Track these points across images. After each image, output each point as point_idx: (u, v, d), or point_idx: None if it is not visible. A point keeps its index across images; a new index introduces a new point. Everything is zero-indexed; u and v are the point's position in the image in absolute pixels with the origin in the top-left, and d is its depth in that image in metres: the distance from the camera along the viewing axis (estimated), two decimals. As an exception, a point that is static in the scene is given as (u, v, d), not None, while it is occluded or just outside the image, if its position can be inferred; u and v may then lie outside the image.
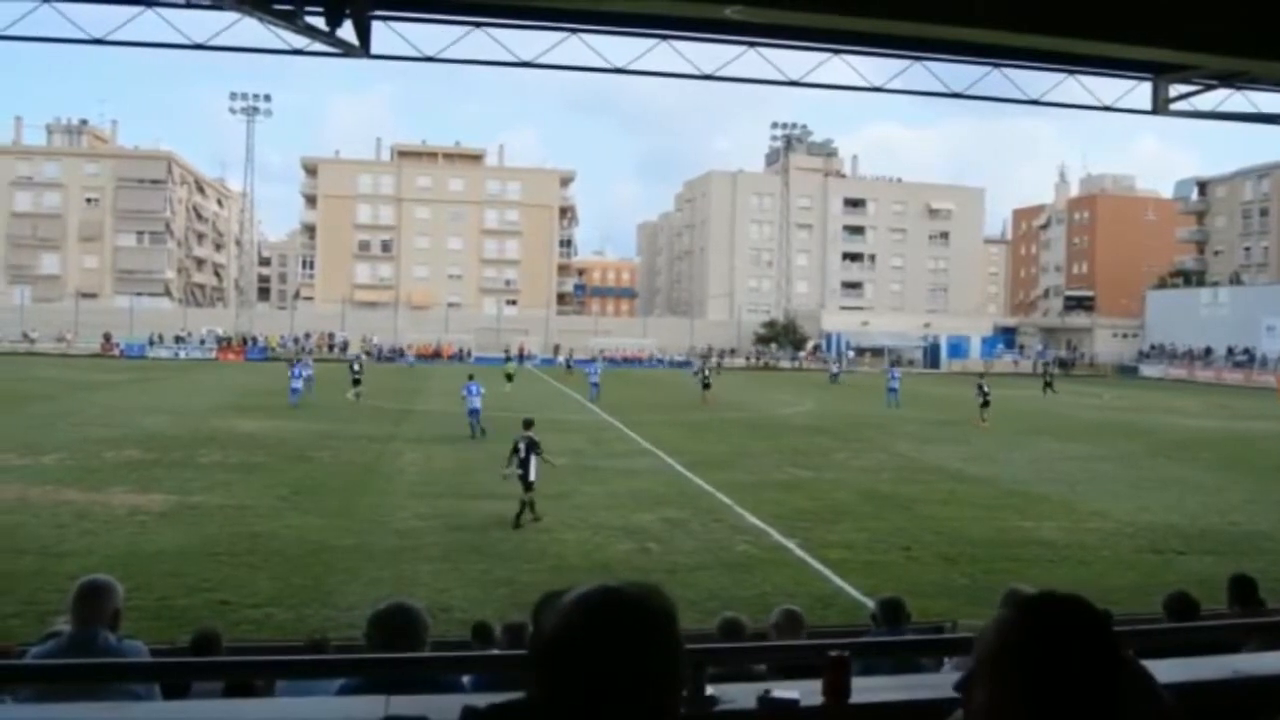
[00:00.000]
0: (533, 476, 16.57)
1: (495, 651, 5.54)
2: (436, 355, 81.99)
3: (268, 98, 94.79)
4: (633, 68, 12.79)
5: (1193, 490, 21.65)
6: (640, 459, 24.96)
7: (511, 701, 1.58)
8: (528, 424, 17.72)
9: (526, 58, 12.74)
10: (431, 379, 54.72)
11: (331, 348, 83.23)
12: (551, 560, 13.89)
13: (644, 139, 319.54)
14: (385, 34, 11.56)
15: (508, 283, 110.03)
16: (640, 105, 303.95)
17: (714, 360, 71.83)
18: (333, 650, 5.91)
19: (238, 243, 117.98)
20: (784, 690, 3.31)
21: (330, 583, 12.42)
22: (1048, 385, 53.14)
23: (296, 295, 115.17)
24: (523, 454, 16.80)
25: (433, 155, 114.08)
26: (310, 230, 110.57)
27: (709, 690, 3.22)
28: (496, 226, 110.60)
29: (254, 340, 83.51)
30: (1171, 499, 20.44)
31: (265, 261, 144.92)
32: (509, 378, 47.24)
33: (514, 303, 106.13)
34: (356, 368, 43.76)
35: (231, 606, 11.13)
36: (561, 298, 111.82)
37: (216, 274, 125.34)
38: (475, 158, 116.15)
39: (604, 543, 15.21)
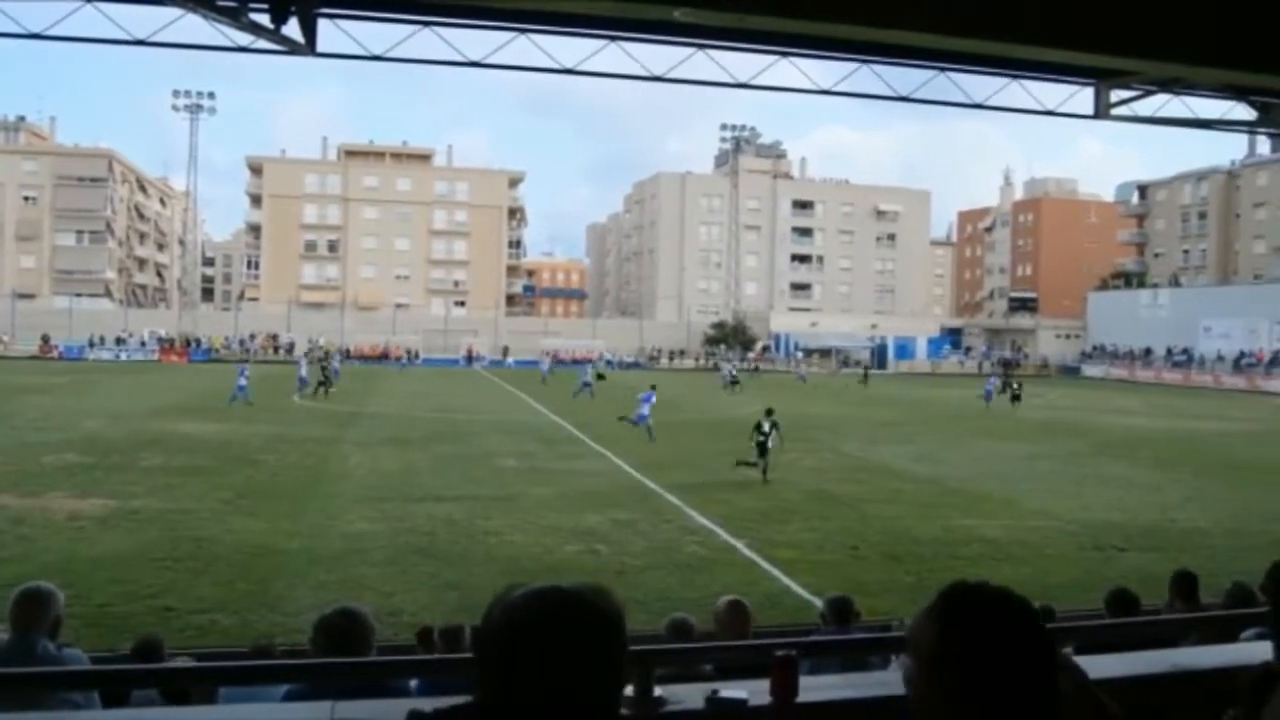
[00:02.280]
0: (770, 444, 22.10)
1: (441, 655, 5.49)
2: (384, 357, 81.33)
3: (212, 95, 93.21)
4: (582, 68, 12.76)
5: (1133, 488, 22.05)
6: (590, 460, 24.94)
7: (457, 705, 1.56)
8: (770, 411, 23.28)
9: (475, 58, 12.66)
10: (389, 380, 54.26)
11: (277, 349, 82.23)
12: (501, 563, 13.82)
13: (596, 140, 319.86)
14: (332, 32, 11.42)
15: (456, 284, 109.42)
16: (592, 107, 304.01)
17: (741, 362, 72.48)
18: (279, 656, 5.82)
19: (181, 243, 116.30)
20: (732, 690, 3.32)
21: (276, 587, 12.26)
22: (1015, 399, 45.30)
23: (241, 296, 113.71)
24: (767, 429, 22.29)
25: (380, 155, 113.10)
26: (255, 230, 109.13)
27: (657, 691, 3.22)
28: (445, 227, 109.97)
29: (197, 342, 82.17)
30: (1113, 497, 20.80)
31: (209, 262, 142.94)
32: (600, 377, 51.80)
33: (462, 304, 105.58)
34: (326, 368, 45.31)
35: (175, 613, 10.93)
36: (511, 299, 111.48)
37: (159, 274, 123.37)
38: (424, 158, 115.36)
39: (553, 544, 15.16)
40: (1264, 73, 7.34)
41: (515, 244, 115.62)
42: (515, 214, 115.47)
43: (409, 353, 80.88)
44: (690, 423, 35.60)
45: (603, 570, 13.45)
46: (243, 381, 38.04)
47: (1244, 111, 9.89)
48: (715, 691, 3.29)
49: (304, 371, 44.35)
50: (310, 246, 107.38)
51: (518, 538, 15.57)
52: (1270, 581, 6.39)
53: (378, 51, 11.96)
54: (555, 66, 13.12)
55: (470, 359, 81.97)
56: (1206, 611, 6.80)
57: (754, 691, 3.30)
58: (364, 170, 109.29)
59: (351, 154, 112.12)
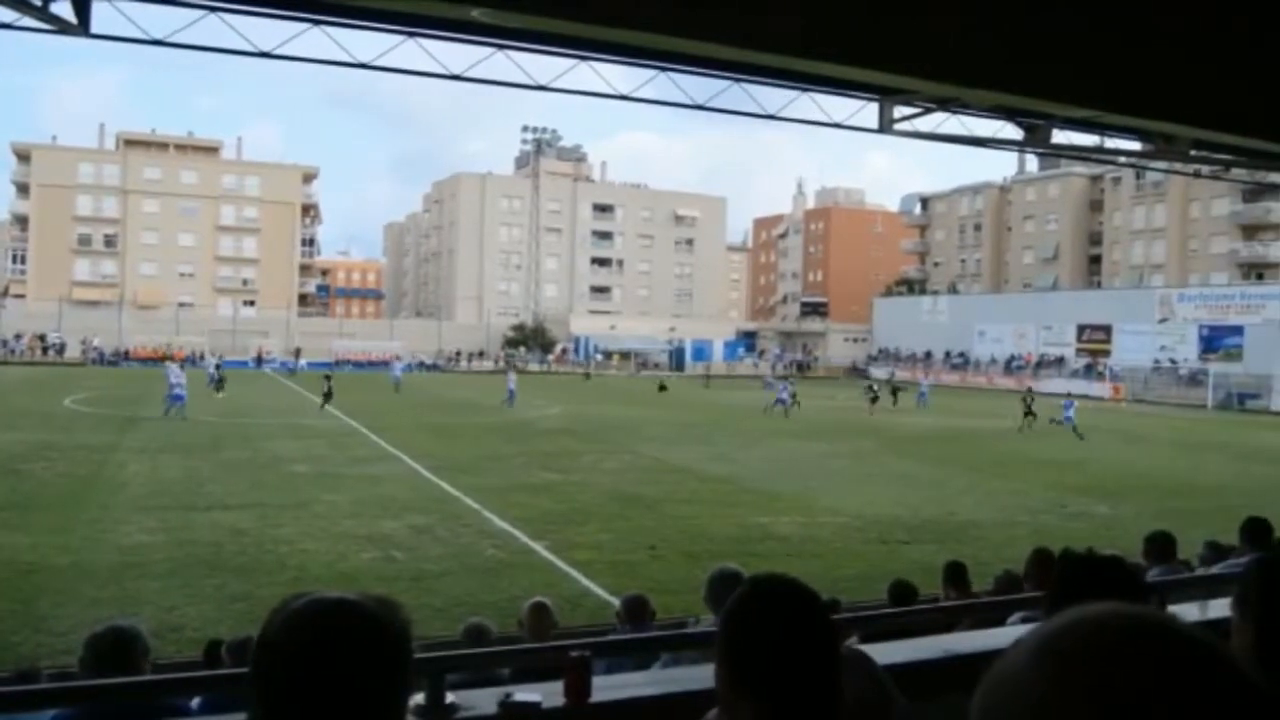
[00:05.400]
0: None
1: (225, 671, 5.25)
2: (167, 358, 77.16)
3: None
4: (378, 64, 12.46)
5: (916, 484, 23.22)
6: (386, 464, 24.37)
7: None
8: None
9: (266, 48, 12.17)
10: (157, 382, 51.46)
11: (45, 350, 76.82)
12: (291, 572, 13.34)
13: (398, 138, 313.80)
14: (108, 12, 10.74)
15: (245, 282, 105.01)
16: (395, 104, 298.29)
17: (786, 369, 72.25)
18: (45, 679, 5.44)
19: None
20: (526, 693, 3.30)
21: (42, 606, 11.43)
22: (892, 395, 49.90)
23: (5, 292, 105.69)
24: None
25: (163, 146, 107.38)
26: (22, 221, 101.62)
27: (450, 698, 3.17)
28: (234, 223, 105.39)
29: (-45, 342, 75.97)
30: (897, 493, 21.83)
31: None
32: (662, 388, 57.81)
33: (252, 303, 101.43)
34: (214, 371, 46.52)
35: (-75, 636, 10.08)
36: (304, 299, 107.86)
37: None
38: (211, 150, 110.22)
39: (347, 552, 14.74)
40: (1030, 96, 7.85)
41: (309, 242, 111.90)
42: (309, 211, 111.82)
43: (194, 354, 77.04)
44: (489, 425, 35.34)
45: (399, 577, 13.19)
46: (178, 386, 35.72)
47: (1013, 131, 10.52)
48: (509, 695, 3.26)
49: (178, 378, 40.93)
50: (84, 240, 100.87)
51: (310, 546, 15.06)
52: (1031, 567, 6.86)
53: (159, 35, 11.34)
54: (350, 60, 12.77)
55: (260, 361, 78.81)
56: (977, 598, 7.24)
57: (549, 693, 3.29)
58: (145, 161, 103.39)
59: (132, 143, 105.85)
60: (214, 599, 11.95)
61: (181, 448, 25.84)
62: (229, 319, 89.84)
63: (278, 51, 12.33)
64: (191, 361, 73.46)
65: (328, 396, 39.05)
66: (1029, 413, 38.94)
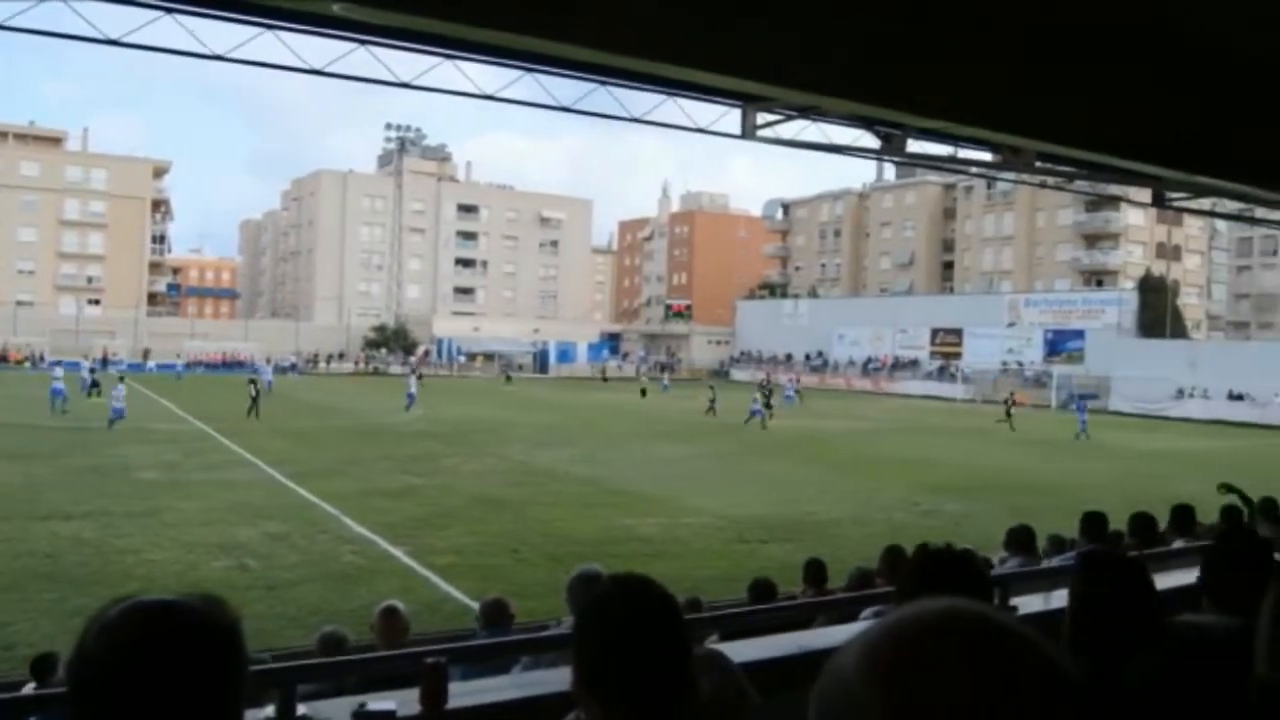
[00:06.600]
0: None
1: (57, 690, 4.99)
2: (3, 360, 73.28)
3: None
4: (234, 56, 12.07)
5: (777, 484, 23.65)
6: (239, 470, 23.62)
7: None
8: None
9: (114, 35, 11.65)
10: (11, 385, 48.82)
11: None
12: (137, 583, 12.78)
13: (259, 133, 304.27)
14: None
15: (90, 280, 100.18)
16: (257, 98, 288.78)
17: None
18: None
19: None
20: (380, 702, 3.23)
21: None
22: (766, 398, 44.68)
23: None
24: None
25: (1, 135, 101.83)
26: None
27: (301, 709, 3.08)
28: (78, 218, 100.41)
29: None
30: (759, 493, 22.20)
31: None
32: (643, 393, 56.69)
33: (97, 302, 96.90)
34: (88, 375, 45.72)
35: None
36: (153, 298, 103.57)
37: None
38: (54, 141, 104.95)
39: (198, 561, 14.23)
40: (886, 107, 8.08)
41: (159, 239, 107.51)
42: (160, 206, 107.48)
43: (33, 355, 73.30)
44: (349, 429, 34.62)
45: (253, 586, 12.81)
46: (57, 384, 36.20)
47: (871, 140, 10.79)
48: (363, 705, 3.19)
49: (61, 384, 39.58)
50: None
51: (158, 555, 14.48)
52: (883, 564, 7.06)
53: (-5, 20, 10.75)
54: (205, 52, 12.34)
55: (106, 362, 75.34)
56: (833, 595, 7.41)
57: (404, 701, 3.24)
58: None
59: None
60: (52, 613, 11.35)
61: (19, 454, 24.52)
62: (72, 318, 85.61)
63: (127, 39, 11.82)
64: (31, 363, 70.11)
65: (255, 401, 37.79)
66: (1008, 415, 42.36)
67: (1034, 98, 7.85)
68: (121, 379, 35.96)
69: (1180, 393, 60.07)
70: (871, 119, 9.34)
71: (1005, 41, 7.31)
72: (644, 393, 57.72)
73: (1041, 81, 7.65)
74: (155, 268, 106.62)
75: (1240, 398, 57.92)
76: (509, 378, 72.53)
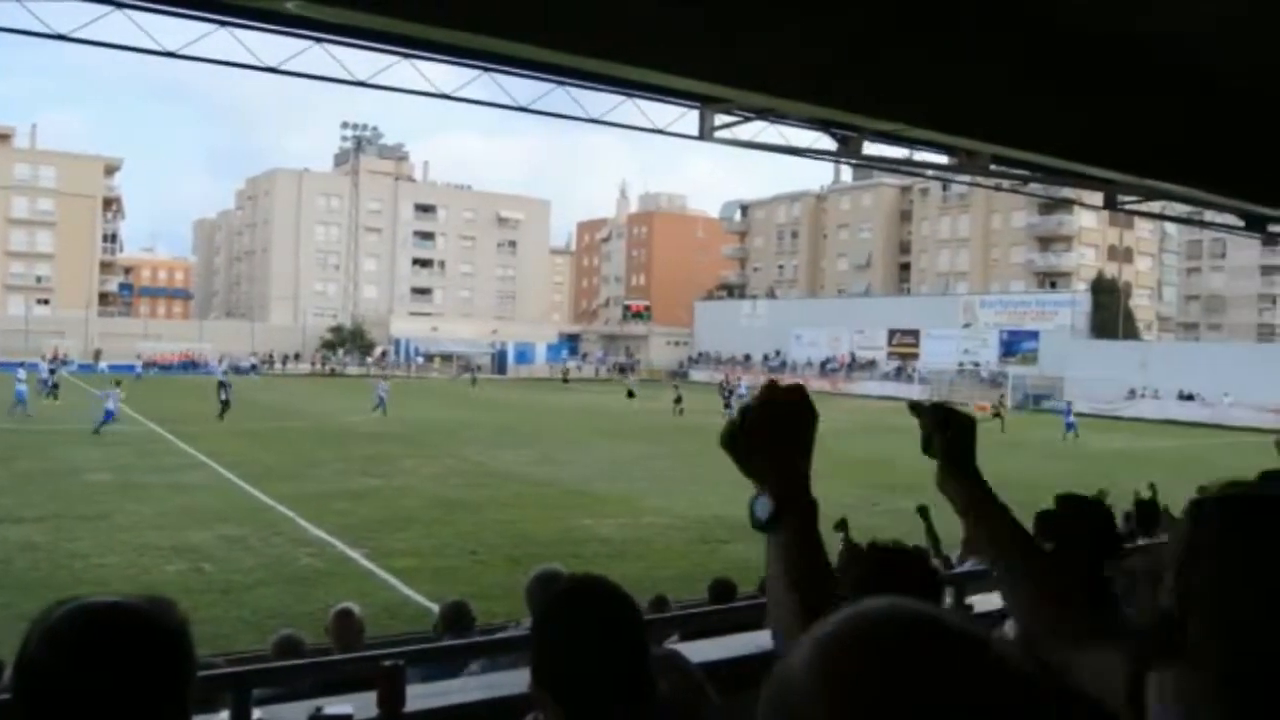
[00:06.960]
0: None
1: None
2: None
3: None
4: (187, 53, 11.92)
5: (738, 484, 23.16)
6: (194, 472, 23.32)
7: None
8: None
9: (63, 30, 11.48)
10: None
11: None
12: (89, 588, 12.56)
13: (214, 131, 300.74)
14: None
15: (39, 279, 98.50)
16: (212, 96, 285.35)
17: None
18: None
19: None
20: (336, 706, 3.21)
21: None
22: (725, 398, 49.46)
23: None
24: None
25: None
26: None
27: (257, 714, 3.06)
28: (26, 216, 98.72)
29: None
30: (720, 493, 22.20)
31: None
32: (630, 394, 57.11)
33: (46, 302, 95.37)
34: (48, 376, 45.52)
35: None
36: (105, 297, 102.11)
37: None
38: (1, 137, 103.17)
39: (151, 565, 14.05)
40: (842, 110, 8.14)
41: (111, 238, 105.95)
42: (111, 204, 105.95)
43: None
44: (305, 431, 34.32)
45: (208, 589, 12.67)
46: (21, 385, 35.79)
47: (828, 142, 10.85)
48: (320, 709, 3.17)
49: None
50: None
51: (110, 560, 14.28)
52: (839, 563, 7.09)
53: (-60, 15, 10.55)
54: (157, 49, 12.19)
55: (56, 362, 74.03)
56: (792, 596, 7.43)
57: (361, 705, 3.22)
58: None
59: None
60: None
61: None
62: (21, 319, 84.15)
63: (76, 34, 11.65)
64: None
65: (225, 405, 37.21)
66: (998, 415, 42.91)
67: (989, 101, 7.95)
68: (118, 383, 35.04)
69: (1132, 393, 61.00)
70: (829, 122, 9.40)
71: (960, 46, 7.39)
72: (630, 394, 58.05)
73: (996, 85, 7.75)
74: (107, 267, 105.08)
75: (1190, 398, 58.89)
76: (474, 379, 72.04)
